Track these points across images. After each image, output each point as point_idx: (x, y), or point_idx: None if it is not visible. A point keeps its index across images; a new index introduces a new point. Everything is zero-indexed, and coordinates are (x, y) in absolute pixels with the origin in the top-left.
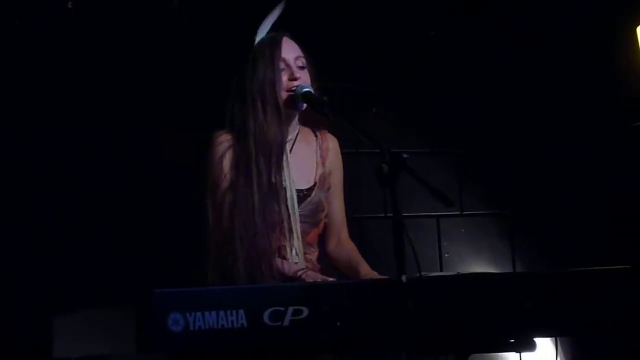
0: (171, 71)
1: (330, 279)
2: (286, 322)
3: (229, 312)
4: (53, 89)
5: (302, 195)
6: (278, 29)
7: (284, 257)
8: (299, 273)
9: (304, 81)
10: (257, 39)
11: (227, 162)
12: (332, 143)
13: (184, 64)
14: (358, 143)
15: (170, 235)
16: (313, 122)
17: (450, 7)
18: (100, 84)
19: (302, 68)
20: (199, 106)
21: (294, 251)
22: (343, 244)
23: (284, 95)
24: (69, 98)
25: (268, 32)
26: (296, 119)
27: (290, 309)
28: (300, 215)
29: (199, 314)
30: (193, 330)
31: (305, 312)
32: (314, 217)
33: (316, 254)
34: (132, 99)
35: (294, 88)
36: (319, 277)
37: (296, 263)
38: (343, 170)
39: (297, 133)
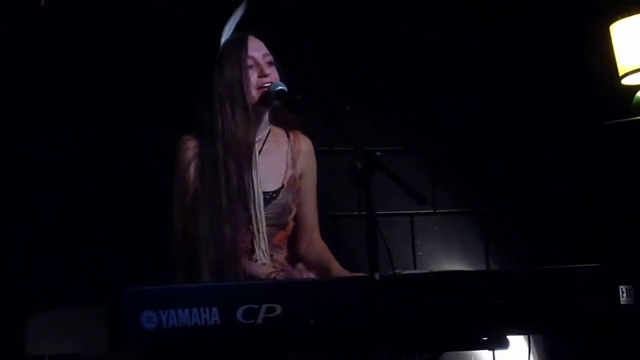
0: (164, 72)
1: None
2: (259, 320)
3: (202, 309)
4: (48, 89)
5: (269, 197)
6: (242, 29)
7: (251, 259)
8: (273, 275)
9: (275, 78)
10: (222, 40)
11: (193, 169)
12: (304, 145)
13: (176, 65)
14: (332, 141)
15: (144, 232)
16: (286, 123)
17: (431, 5)
18: (96, 85)
19: (270, 65)
20: (171, 108)
21: (261, 253)
22: (314, 245)
23: (254, 93)
24: (56, 99)
25: (232, 33)
26: (266, 118)
27: (264, 307)
28: (266, 217)
29: (172, 311)
30: (166, 328)
31: (279, 309)
32: (280, 219)
33: (284, 255)
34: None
35: (266, 85)
36: (291, 277)
37: (264, 264)
38: (317, 168)
39: (268, 133)
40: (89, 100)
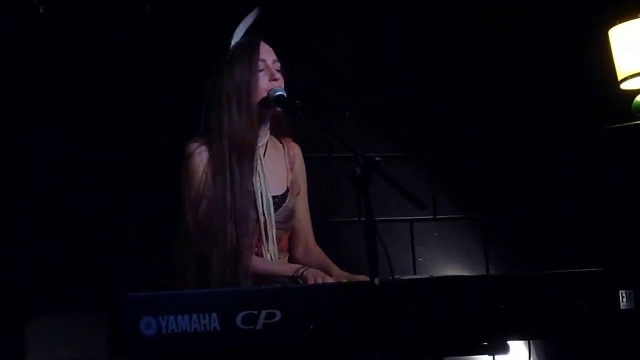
0: (167, 75)
1: (330, 278)
2: (259, 326)
3: (201, 315)
4: (50, 94)
5: (278, 201)
6: (253, 34)
7: None
8: (301, 271)
9: (281, 84)
10: (233, 42)
11: (208, 173)
12: (297, 150)
13: (180, 69)
14: (331, 147)
15: (145, 238)
16: (277, 131)
17: (426, 10)
18: (97, 90)
19: (279, 71)
20: (174, 114)
21: (269, 256)
22: (311, 250)
23: (263, 96)
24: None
25: (243, 36)
26: (268, 125)
27: (263, 312)
28: (276, 221)
29: (171, 317)
30: (166, 334)
31: (278, 315)
32: (288, 222)
33: (286, 259)
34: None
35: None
36: (320, 274)
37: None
38: (316, 174)
39: (267, 140)
40: (92, 104)
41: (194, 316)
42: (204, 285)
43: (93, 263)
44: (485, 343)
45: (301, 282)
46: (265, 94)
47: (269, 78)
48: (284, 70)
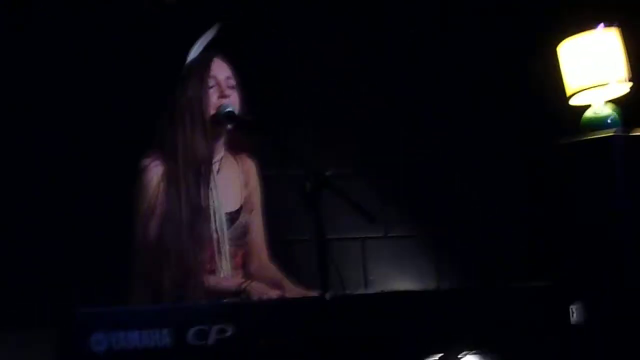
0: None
1: (273, 292)
2: (211, 341)
3: (152, 331)
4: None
5: (231, 218)
6: (210, 50)
7: None
8: (243, 285)
9: (233, 102)
10: (189, 59)
11: (161, 189)
12: (251, 166)
13: (138, 82)
14: (284, 165)
15: (93, 253)
16: (233, 147)
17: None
18: (54, 104)
19: (232, 88)
20: (129, 129)
21: (222, 273)
22: (265, 266)
23: (212, 113)
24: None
25: (200, 52)
26: (222, 141)
27: (215, 328)
28: (229, 238)
29: (122, 333)
30: (116, 351)
31: (230, 330)
32: (242, 239)
33: (241, 275)
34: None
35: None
36: (263, 288)
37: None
38: (269, 192)
39: (222, 156)
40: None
41: (145, 332)
42: (155, 301)
43: (39, 277)
44: (436, 358)
45: (244, 297)
46: (214, 111)
47: (218, 95)
48: (241, 87)
